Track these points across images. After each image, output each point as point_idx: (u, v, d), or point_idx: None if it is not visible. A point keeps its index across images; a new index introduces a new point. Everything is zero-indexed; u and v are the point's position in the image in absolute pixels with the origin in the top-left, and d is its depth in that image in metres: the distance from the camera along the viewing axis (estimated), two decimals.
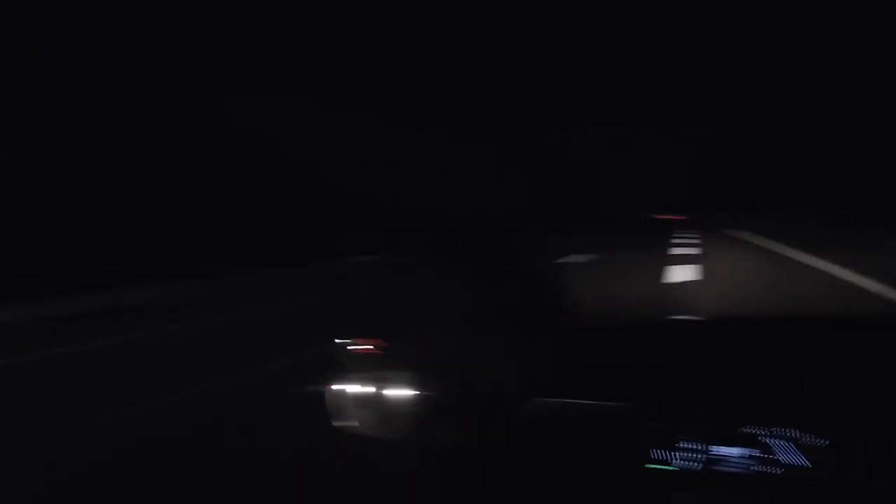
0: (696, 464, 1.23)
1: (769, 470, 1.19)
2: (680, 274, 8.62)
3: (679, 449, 1.23)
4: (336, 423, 1.18)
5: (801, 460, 1.17)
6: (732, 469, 1.21)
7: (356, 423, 1.19)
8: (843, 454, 1.14)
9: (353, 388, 1.20)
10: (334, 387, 1.20)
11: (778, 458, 1.19)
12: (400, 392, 1.21)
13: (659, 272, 8.75)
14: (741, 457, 1.21)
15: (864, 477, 1.12)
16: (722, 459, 1.22)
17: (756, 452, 1.20)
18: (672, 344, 1.50)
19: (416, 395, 1.19)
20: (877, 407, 1.19)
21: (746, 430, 1.21)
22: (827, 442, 1.16)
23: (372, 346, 1.24)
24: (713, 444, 1.22)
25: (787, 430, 1.19)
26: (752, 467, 1.20)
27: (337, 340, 1.23)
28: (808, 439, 1.18)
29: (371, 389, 1.21)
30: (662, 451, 1.24)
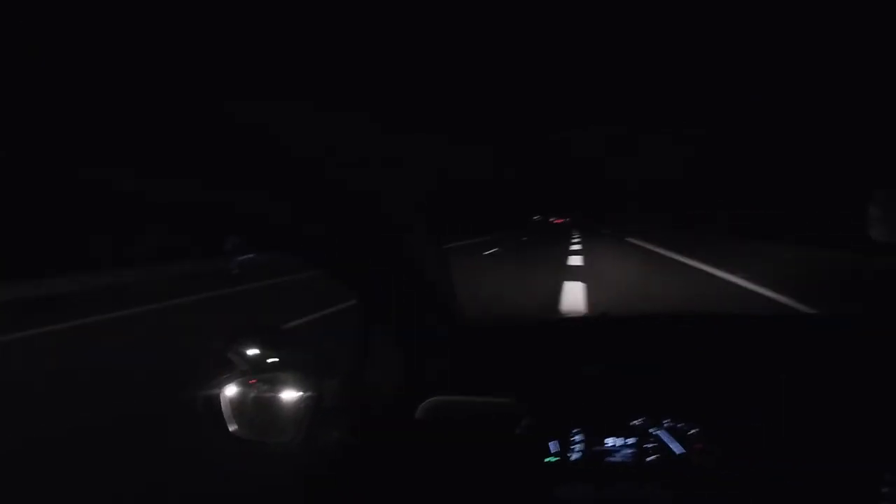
0: (588, 455, 1.28)
1: (655, 459, 1.25)
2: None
3: (573, 442, 1.29)
4: (231, 428, 1.16)
5: (680, 448, 1.24)
6: (620, 459, 1.27)
7: (240, 427, 1.16)
8: (712, 441, 1.21)
9: (241, 392, 1.18)
10: (225, 391, 1.17)
11: (662, 447, 1.25)
12: (289, 394, 1.18)
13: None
14: (628, 446, 1.27)
15: (734, 463, 1.18)
16: (610, 450, 1.27)
17: (644, 443, 1.26)
18: (562, 340, 1.52)
19: (305, 395, 1.17)
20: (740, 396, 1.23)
21: (635, 421, 1.27)
22: (698, 430, 1.24)
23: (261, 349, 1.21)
24: (604, 437, 1.28)
25: (670, 421, 1.26)
26: (639, 457, 1.26)
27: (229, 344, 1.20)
28: (685, 428, 1.25)
29: (260, 392, 1.18)
30: (557, 445, 1.28)
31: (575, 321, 1.69)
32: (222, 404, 1.16)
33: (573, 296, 7.39)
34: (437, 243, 1.24)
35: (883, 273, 7.92)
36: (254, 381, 1.19)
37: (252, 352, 1.20)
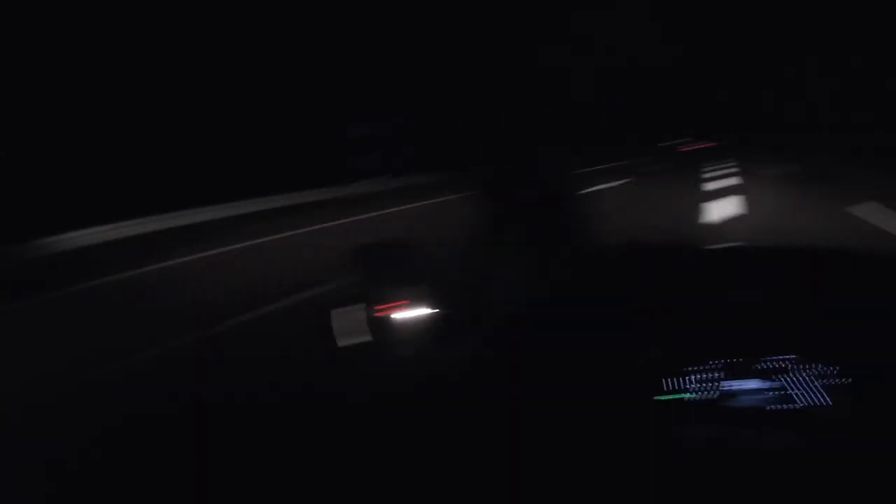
0: (707, 395, 1.16)
1: (780, 405, 1.12)
2: None
3: (691, 380, 1.18)
4: (342, 343, 1.18)
5: (816, 395, 1.12)
6: (742, 403, 1.15)
7: (370, 338, 1.18)
8: (854, 387, 1.08)
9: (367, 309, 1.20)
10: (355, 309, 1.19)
11: (791, 393, 1.13)
12: (418, 310, 1.21)
13: None
14: (752, 389, 1.15)
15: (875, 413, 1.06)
16: (734, 393, 1.16)
17: (769, 385, 1.14)
18: (687, 271, 1.41)
19: (435, 312, 1.20)
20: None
21: (760, 363, 1.16)
22: (837, 372, 1.12)
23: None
24: (726, 377, 1.17)
25: (800, 367, 1.14)
26: (762, 400, 1.13)
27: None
28: (819, 371, 1.13)
29: (388, 310, 1.20)
30: (673, 381, 1.18)
31: (713, 251, 1.57)
32: (365, 319, 1.19)
33: None
34: (566, 167, 1.21)
35: None
36: (381, 301, 1.20)
37: (381, 267, 1.25)
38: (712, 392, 1.17)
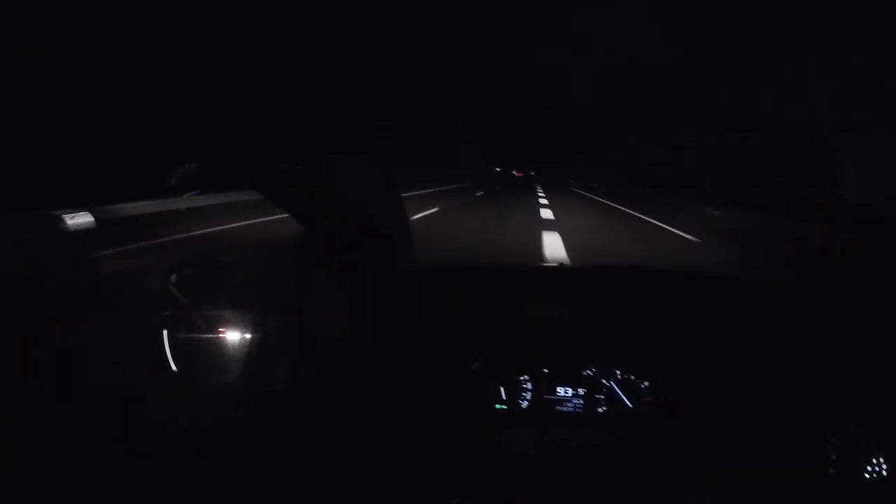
0: (537, 402, 1.31)
1: (599, 408, 1.30)
2: None
3: (523, 389, 1.32)
4: (173, 368, 1.10)
5: (626, 401, 1.29)
6: (566, 408, 1.31)
7: (180, 367, 1.11)
8: (661, 396, 1.25)
9: (182, 331, 1.12)
10: (166, 329, 1.12)
11: (606, 399, 1.30)
12: (232, 334, 1.14)
13: None
14: (575, 396, 1.31)
15: (680, 417, 1.22)
16: (561, 400, 1.31)
17: (590, 392, 1.30)
18: (517, 285, 1.48)
19: (250, 336, 1.13)
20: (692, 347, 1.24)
21: (586, 372, 1.31)
22: (647, 383, 1.28)
23: None
24: (554, 386, 1.31)
25: (621, 373, 1.29)
26: (588, 407, 1.30)
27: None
28: (636, 381, 1.28)
29: (202, 332, 1.13)
30: (507, 392, 1.31)
31: (531, 268, 1.64)
32: (164, 343, 1.10)
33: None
34: (391, 189, 1.18)
35: None
36: (195, 319, 1.13)
37: (192, 288, 1.14)
38: (541, 398, 1.31)
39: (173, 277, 1.13)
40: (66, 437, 1.04)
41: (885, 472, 1.03)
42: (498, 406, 1.30)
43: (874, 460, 1.04)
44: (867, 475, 1.05)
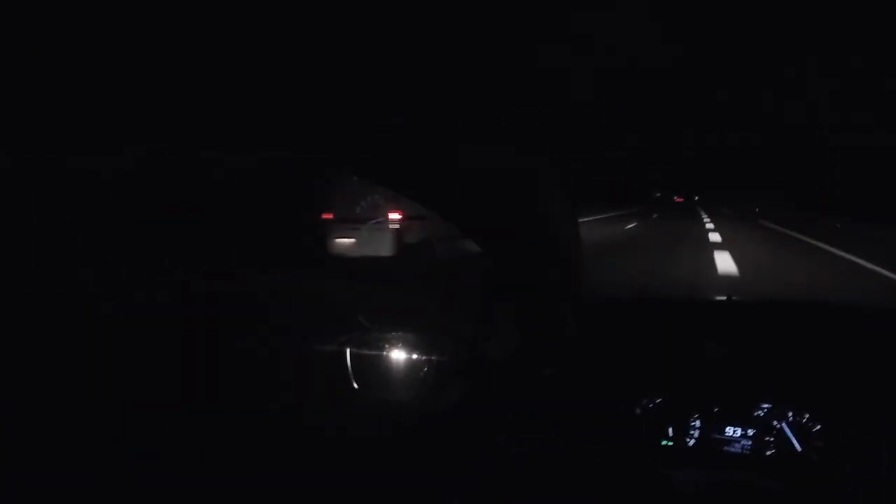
0: (705, 442, 1.26)
1: (768, 450, 1.23)
2: None
3: (691, 427, 1.27)
4: (354, 385, 1.19)
5: (796, 443, 1.22)
6: (734, 449, 1.25)
7: (361, 384, 1.19)
8: (834, 439, 1.19)
9: (366, 350, 1.21)
10: (351, 348, 1.20)
11: (775, 440, 1.23)
12: (412, 355, 1.21)
13: None
14: (744, 437, 1.25)
15: (849, 465, 1.15)
16: (728, 440, 1.26)
17: (762, 434, 1.24)
18: (688, 321, 1.47)
19: (427, 358, 1.21)
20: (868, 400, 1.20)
21: (758, 412, 1.25)
22: (822, 426, 1.21)
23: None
24: (723, 425, 1.26)
25: (793, 414, 1.23)
26: (757, 448, 1.24)
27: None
28: (808, 423, 1.22)
29: (385, 352, 1.22)
30: (675, 430, 1.27)
31: (702, 303, 1.67)
32: (348, 361, 1.18)
33: None
34: (572, 221, 1.20)
35: None
36: (379, 340, 1.22)
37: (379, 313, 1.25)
38: (709, 437, 1.27)
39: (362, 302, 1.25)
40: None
41: None
42: (664, 443, 1.27)
43: None
44: None
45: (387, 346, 1.21)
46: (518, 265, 1.18)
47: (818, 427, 1.21)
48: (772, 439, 1.24)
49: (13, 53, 0.54)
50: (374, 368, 1.20)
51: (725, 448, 1.26)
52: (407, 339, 1.21)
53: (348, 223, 7.64)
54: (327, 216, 7.88)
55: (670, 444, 1.26)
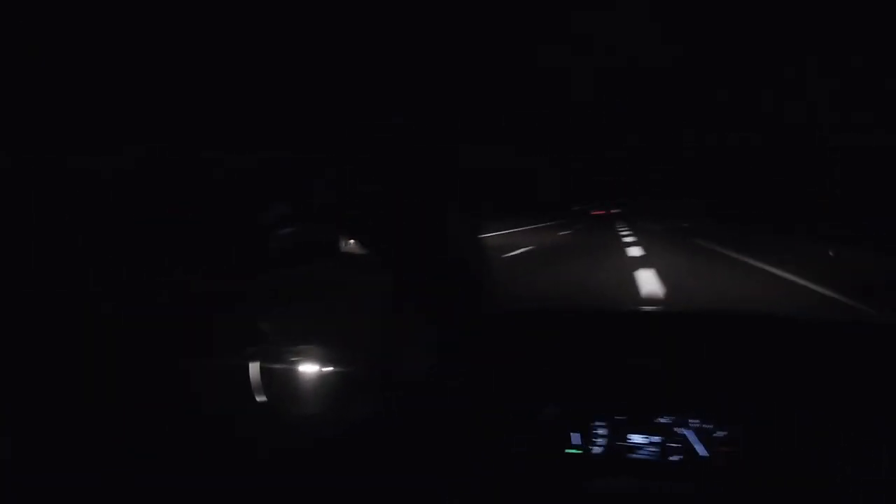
0: (610, 449, 1.28)
1: (676, 458, 1.26)
2: None
3: (596, 435, 1.29)
4: (259, 399, 1.18)
5: (705, 450, 1.24)
6: (641, 456, 1.28)
7: (267, 398, 1.18)
8: (737, 445, 1.22)
9: (274, 365, 1.20)
10: (253, 362, 1.19)
11: (685, 447, 1.26)
12: (317, 368, 1.20)
13: None
14: (652, 444, 1.28)
15: (764, 468, 1.18)
16: (635, 447, 1.28)
17: (667, 441, 1.27)
18: (596, 331, 1.48)
19: (333, 371, 1.20)
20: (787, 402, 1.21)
21: (662, 419, 1.28)
22: (725, 433, 1.23)
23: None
24: (629, 433, 1.29)
25: (697, 422, 1.25)
26: (660, 455, 1.27)
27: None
28: (712, 430, 1.25)
29: (289, 365, 1.20)
30: (582, 438, 1.28)
31: (611, 313, 1.67)
32: (251, 375, 1.17)
33: None
34: (475, 231, 1.22)
35: None
36: (282, 353, 1.21)
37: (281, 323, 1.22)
38: (614, 445, 1.29)
39: (264, 314, 1.22)
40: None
41: None
42: (569, 451, 1.28)
43: None
44: None
45: (293, 358, 1.20)
46: (426, 281, 1.21)
47: (721, 434, 1.24)
48: (678, 445, 1.26)
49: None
50: (279, 381, 1.19)
51: (633, 455, 1.28)
52: (315, 352, 1.21)
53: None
54: None
55: (578, 451, 1.28)
